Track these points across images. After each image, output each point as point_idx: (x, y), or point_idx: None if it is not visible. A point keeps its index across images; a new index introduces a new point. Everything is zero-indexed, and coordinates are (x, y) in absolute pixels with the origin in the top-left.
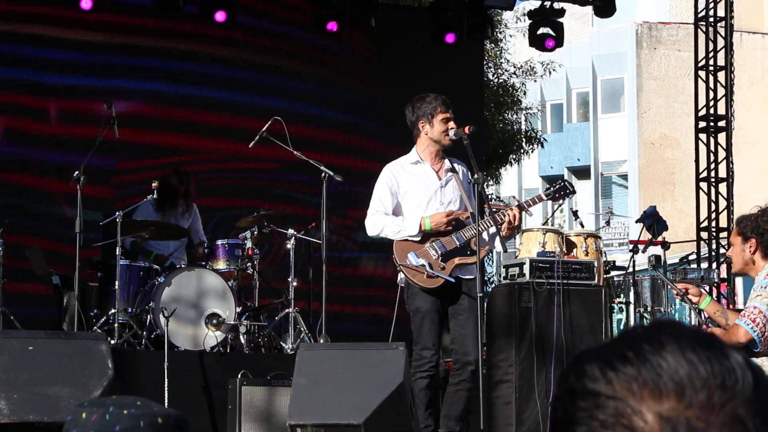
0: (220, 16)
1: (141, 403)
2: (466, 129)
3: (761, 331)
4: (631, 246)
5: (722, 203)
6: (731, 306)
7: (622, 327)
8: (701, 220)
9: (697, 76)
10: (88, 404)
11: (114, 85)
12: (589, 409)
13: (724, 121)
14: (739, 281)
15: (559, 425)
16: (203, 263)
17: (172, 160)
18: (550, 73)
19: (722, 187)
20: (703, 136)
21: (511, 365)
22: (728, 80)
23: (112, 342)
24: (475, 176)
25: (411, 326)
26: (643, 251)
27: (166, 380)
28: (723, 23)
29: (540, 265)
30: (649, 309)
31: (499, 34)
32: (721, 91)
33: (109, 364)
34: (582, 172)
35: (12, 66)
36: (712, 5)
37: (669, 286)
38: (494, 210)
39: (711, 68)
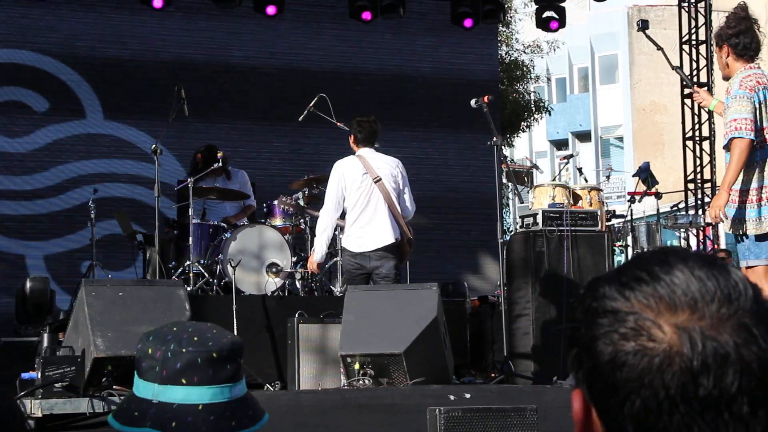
0: (270, 9)
1: (198, 339)
2: (485, 98)
3: (750, 131)
4: (629, 197)
5: (706, 158)
6: (715, 245)
7: None
8: (688, 173)
9: (681, 50)
10: (153, 338)
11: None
12: (610, 324)
13: (705, 88)
14: (722, 230)
15: (581, 343)
16: (263, 221)
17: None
18: (554, 50)
19: (705, 145)
20: (688, 101)
21: (528, 301)
22: (708, 52)
23: (188, 289)
24: (494, 139)
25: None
26: (639, 201)
27: (234, 321)
28: (703, 4)
29: (551, 215)
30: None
31: (509, 18)
32: (702, 62)
33: (187, 306)
34: (584, 136)
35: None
36: None
37: (690, 87)
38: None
39: (693, 42)
